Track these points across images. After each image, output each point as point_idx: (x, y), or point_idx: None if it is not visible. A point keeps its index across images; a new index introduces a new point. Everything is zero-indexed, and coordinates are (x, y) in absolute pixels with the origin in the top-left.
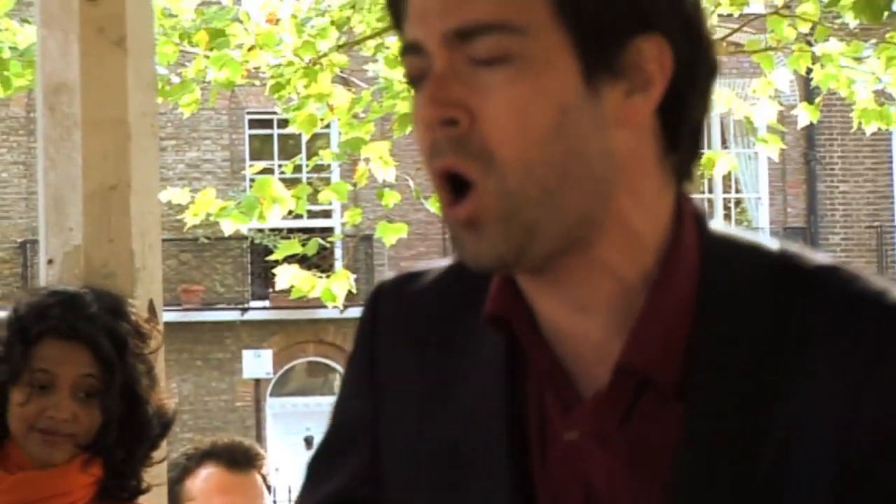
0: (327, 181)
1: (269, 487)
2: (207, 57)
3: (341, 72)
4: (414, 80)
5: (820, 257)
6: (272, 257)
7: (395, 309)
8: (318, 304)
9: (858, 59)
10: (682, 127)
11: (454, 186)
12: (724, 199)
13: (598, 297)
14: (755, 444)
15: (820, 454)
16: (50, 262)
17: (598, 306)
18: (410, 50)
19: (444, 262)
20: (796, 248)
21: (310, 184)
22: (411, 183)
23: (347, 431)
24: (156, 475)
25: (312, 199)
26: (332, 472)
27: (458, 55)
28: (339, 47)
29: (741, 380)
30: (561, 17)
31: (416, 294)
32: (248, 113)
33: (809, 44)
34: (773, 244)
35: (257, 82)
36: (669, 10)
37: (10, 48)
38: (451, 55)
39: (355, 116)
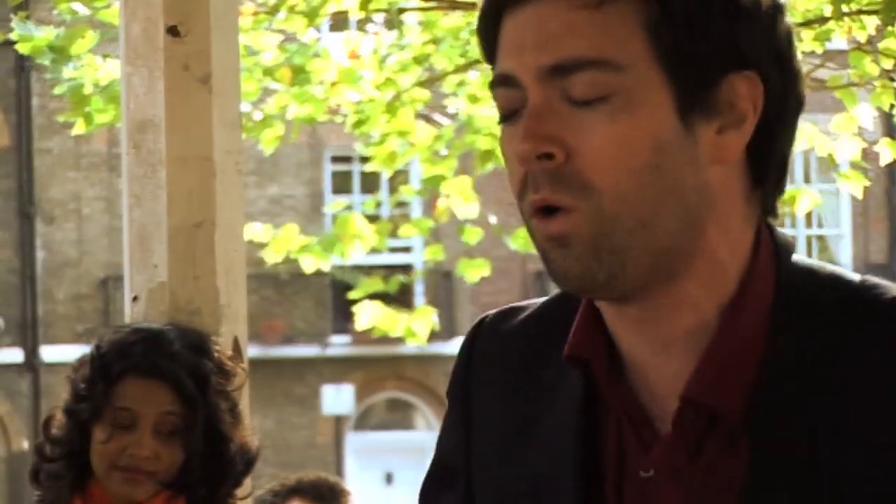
0: (408, 216)
1: None
2: (289, 93)
3: (423, 107)
4: (506, 112)
5: None
6: (352, 295)
7: (491, 344)
8: (399, 339)
9: None
10: (770, 161)
11: (547, 214)
12: (806, 235)
13: (677, 331)
14: (821, 479)
15: (887, 490)
16: (135, 298)
17: (678, 340)
18: (503, 82)
19: (543, 299)
20: (878, 280)
21: (391, 220)
22: (493, 219)
23: (447, 462)
24: None
25: (393, 234)
26: (438, 501)
27: (554, 90)
28: (420, 83)
29: (807, 414)
30: (658, 54)
31: (512, 330)
32: (330, 148)
33: (892, 79)
34: (854, 276)
35: (338, 119)
36: (764, 46)
37: (92, 84)
38: (547, 90)
39: (436, 154)
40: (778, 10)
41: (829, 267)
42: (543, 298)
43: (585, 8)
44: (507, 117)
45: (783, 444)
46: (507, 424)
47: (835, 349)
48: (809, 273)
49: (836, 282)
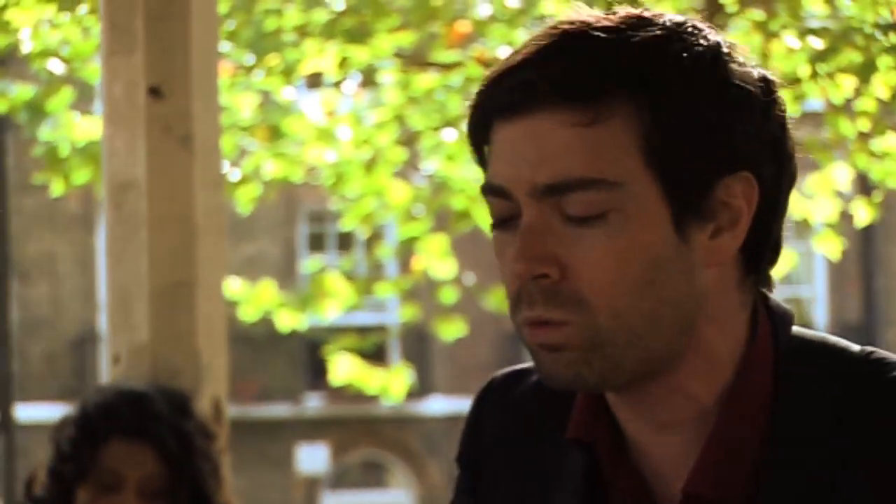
0: (381, 273)
1: None
2: (265, 152)
3: (400, 167)
4: (498, 221)
5: None
6: (326, 355)
7: (498, 411)
8: (374, 398)
9: None
10: (764, 249)
11: (540, 326)
12: (782, 296)
13: (675, 418)
14: None
15: None
16: (116, 359)
17: (676, 425)
18: (496, 193)
19: None
20: (879, 352)
21: (367, 279)
22: (469, 279)
23: None
24: None
25: (368, 292)
26: None
27: (548, 207)
28: (396, 143)
29: (809, 500)
30: (652, 168)
31: (518, 397)
32: (305, 207)
33: (867, 140)
34: (856, 350)
35: (315, 179)
36: (758, 142)
37: (69, 144)
38: (541, 207)
39: (412, 213)
40: (771, 94)
41: (830, 339)
42: None
43: (579, 126)
44: (499, 224)
45: None
46: (513, 497)
47: (837, 429)
48: (808, 348)
49: (837, 356)
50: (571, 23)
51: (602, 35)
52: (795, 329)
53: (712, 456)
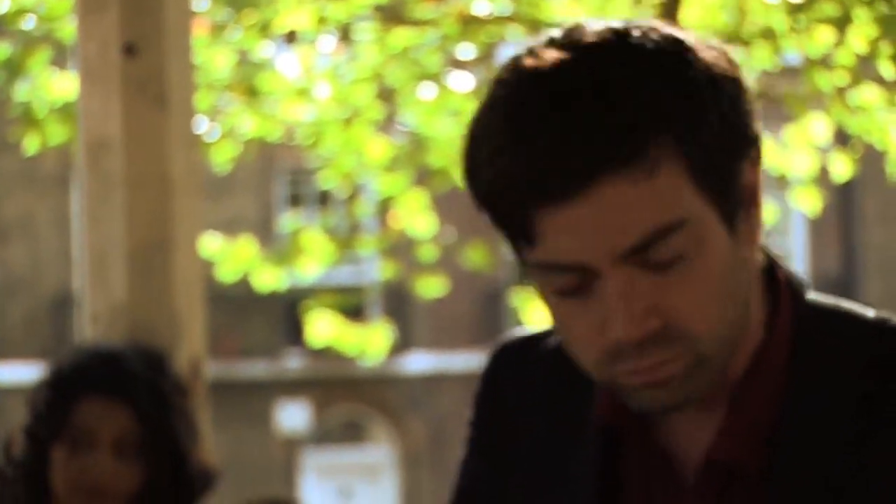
0: (359, 228)
1: None
2: (242, 110)
3: (379, 123)
4: (564, 292)
5: None
6: (305, 314)
7: (512, 377)
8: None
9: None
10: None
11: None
12: None
13: (710, 395)
14: None
15: None
16: (93, 319)
17: (710, 403)
18: (566, 269)
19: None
20: (890, 316)
21: (346, 236)
22: (449, 235)
23: (470, 493)
24: None
25: (348, 246)
26: None
27: (631, 265)
28: (375, 99)
29: (825, 467)
30: (701, 187)
31: (535, 362)
32: (283, 164)
33: (844, 93)
34: (871, 317)
35: (293, 137)
36: (752, 119)
37: (46, 104)
38: (626, 268)
39: (391, 170)
40: (738, 68)
41: (844, 305)
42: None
43: (641, 181)
44: (566, 293)
45: (800, 497)
46: (531, 465)
47: (854, 400)
48: (825, 315)
49: (852, 322)
50: (570, 70)
51: (615, 82)
52: (810, 296)
53: (733, 424)
